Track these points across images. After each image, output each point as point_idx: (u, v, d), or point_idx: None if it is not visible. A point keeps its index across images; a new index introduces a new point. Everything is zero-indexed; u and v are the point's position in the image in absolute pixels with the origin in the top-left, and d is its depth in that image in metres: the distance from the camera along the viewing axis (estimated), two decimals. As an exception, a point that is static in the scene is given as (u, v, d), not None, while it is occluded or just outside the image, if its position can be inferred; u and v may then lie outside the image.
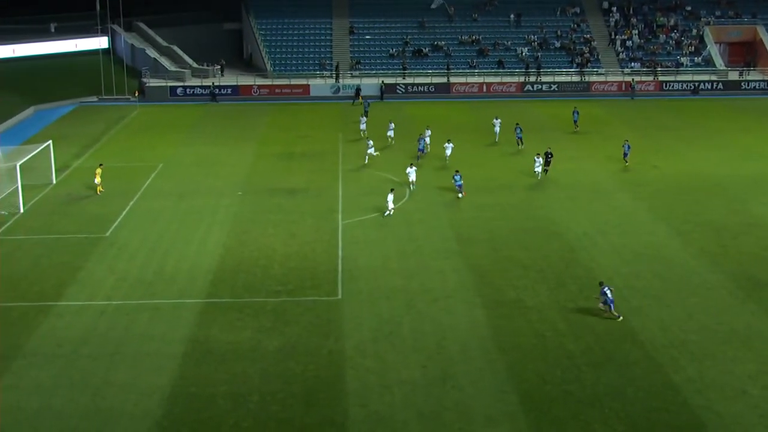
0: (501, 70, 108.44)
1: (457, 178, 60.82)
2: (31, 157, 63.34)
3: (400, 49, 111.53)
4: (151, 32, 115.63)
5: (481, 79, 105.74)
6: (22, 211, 58.46)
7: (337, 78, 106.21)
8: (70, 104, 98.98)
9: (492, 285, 45.78)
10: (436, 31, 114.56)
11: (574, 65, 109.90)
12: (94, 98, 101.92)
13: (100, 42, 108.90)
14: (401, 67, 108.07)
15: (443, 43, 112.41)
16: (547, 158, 65.75)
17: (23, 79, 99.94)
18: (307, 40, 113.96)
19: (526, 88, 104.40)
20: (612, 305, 41.57)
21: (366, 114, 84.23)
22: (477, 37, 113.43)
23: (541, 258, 49.66)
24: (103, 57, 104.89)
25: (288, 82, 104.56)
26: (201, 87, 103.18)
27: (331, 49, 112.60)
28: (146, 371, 37.02)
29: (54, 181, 65.63)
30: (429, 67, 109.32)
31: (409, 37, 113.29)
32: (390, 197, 56.93)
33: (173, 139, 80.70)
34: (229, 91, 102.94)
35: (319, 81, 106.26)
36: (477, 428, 33.01)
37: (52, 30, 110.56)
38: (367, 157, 69.89)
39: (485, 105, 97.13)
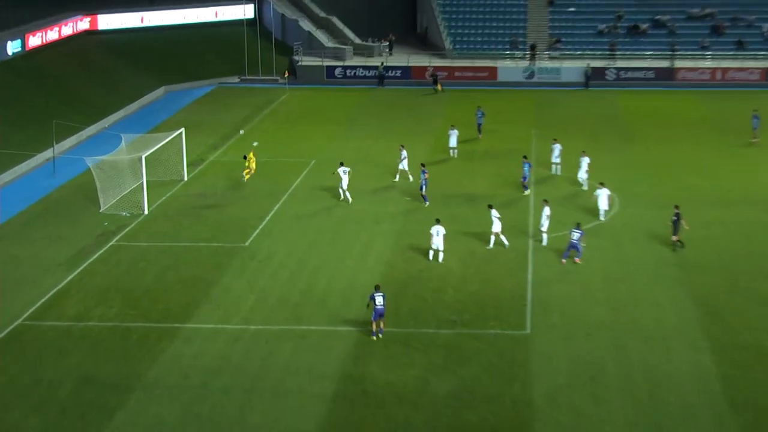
0: (740, 53, 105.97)
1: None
2: (160, 147, 65.17)
3: (612, 25, 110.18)
4: (305, 0, 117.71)
5: (714, 64, 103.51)
6: (146, 212, 60.13)
7: (532, 59, 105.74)
8: (207, 85, 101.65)
9: (724, 324, 44.66)
10: (658, 3, 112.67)
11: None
12: (236, 78, 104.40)
13: (245, 11, 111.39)
14: (611, 47, 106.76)
15: (667, 17, 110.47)
16: (676, 220, 54.12)
17: (153, 53, 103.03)
18: (496, 12, 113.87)
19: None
20: None
21: (479, 128, 79.40)
22: (711, 10, 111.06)
23: (789, 293, 48.34)
24: (247, 29, 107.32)
25: (471, 64, 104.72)
26: (364, 68, 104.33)
27: (525, 24, 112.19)
28: (288, 412, 37.44)
29: (185, 178, 67.42)
30: (647, 47, 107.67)
31: (623, 9, 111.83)
32: (496, 223, 53.84)
33: (329, 131, 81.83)
34: (398, 73, 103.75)
35: (509, 63, 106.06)
36: (700, 506, 32.22)
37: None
38: (398, 174, 67.17)
39: (719, 96, 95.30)
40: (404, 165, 66.72)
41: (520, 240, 54.90)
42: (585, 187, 63.97)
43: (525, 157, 64.93)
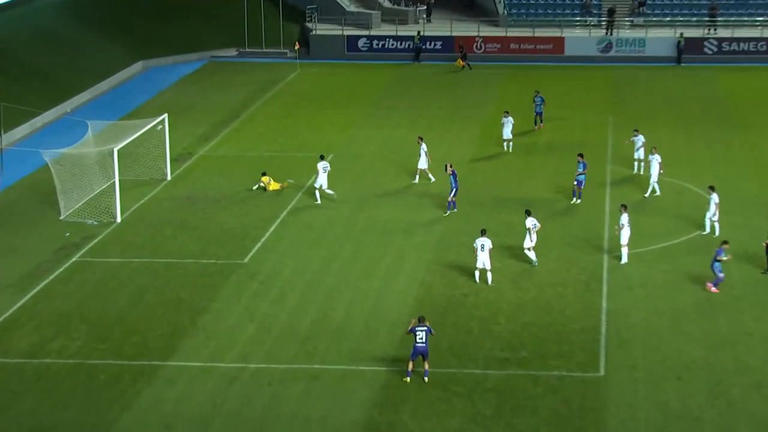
0: None
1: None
2: (136, 138, 65.32)
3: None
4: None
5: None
6: (118, 220, 60.45)
7: (609, 28, 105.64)
8: (196, 59, 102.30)
9: None
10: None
11: None
12: (233, 51, 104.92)
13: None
14: (711, 11, 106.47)
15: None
16: None
17: (129, 20, 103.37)
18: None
19: None
20: None
21: (539, 118, 79.11)
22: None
23: None
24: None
25: (531, 34, 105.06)
26: (395, 38, 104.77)
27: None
28: (296, 473, 37.70)
29: (169, 177, 67.85)
30: (759, 11, 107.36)
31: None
32: (528, 240, 54.46)
33: (350, 117, 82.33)
34: (438, 45, 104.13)
35: (579, 33, 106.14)
36: None
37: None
38: (429, 173, 67.23)
39: None
40: (422, 163, 66.62)
41: (592, 256, 54.93)
42: (650, 192, 64.06)
43: (581, 155, 64.09)
